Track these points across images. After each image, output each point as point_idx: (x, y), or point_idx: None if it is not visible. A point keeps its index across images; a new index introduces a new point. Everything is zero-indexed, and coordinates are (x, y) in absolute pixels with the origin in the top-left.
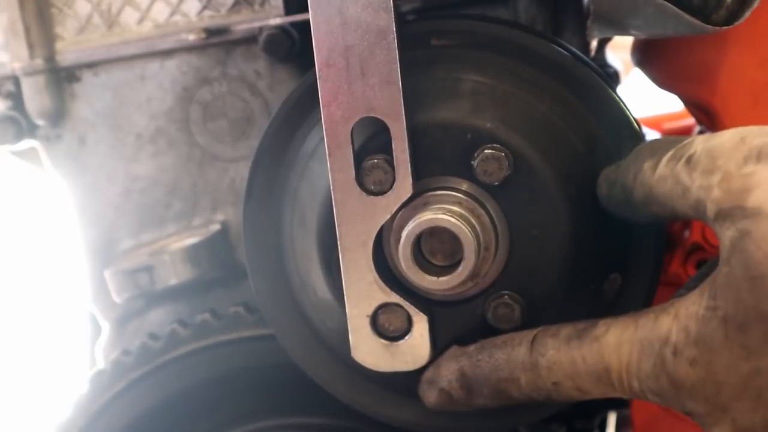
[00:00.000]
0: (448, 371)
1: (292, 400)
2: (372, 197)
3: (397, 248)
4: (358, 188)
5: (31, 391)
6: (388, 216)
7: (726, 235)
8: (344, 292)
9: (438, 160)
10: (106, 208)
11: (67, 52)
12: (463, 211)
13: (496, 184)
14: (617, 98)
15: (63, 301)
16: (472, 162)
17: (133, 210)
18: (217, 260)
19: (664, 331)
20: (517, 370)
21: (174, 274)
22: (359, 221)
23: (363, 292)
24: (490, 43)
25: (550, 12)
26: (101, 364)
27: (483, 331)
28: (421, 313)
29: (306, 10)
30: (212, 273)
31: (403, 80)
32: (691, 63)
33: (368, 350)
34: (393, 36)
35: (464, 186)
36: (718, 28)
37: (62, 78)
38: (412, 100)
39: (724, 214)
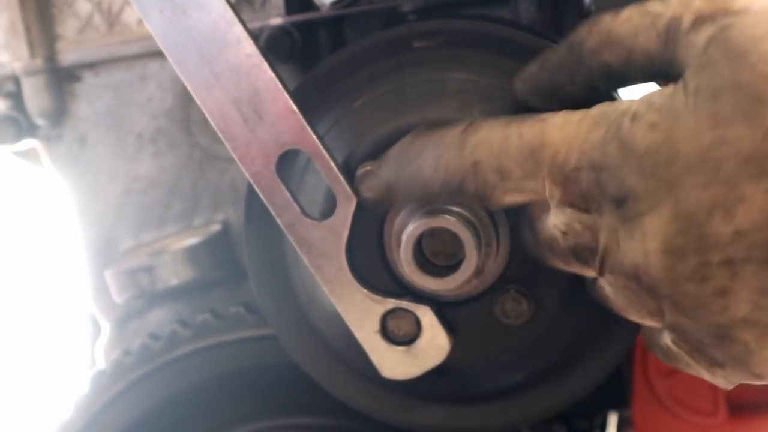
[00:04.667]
0: (402, 143)
1: (292, 401)
2: (325, 222)
3: (398, 252)
4: (308, 219)
5: (31, 391)
6: (347, 231)
7: (702, 35)
8: (345, 320)
9: None
10: (106, 208)
11: (68, 52)
12: (461, 210)
13: None
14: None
15: (63, 301)
16: None
17: (133, 210)
18: (217, 260)
19: (623, 106)
20: (443, 146)
21: (174, 274)
22: (324, 248)
23: (361, 312)
24: (471, 40)
25: (552, 12)
26: (101, 364)
27: (493, 328)
28: (422, 306)
29: (307, 9)
30: (213, 273)
31: (387, 86)
32: None
33: (393, 364)
34: (264, 63)
35: None
36: None
37: (63, 78)
38: (401, 105)
39: (704, 19)
